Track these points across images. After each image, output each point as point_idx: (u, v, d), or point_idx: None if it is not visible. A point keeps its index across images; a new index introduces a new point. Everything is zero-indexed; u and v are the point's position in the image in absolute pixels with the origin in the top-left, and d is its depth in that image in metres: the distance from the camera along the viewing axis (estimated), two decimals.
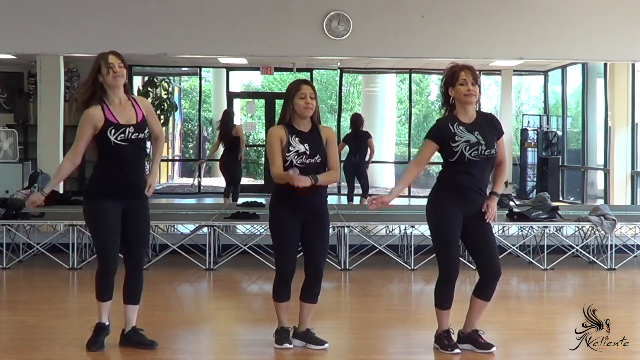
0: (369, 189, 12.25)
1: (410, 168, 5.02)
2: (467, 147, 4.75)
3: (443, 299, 4.95)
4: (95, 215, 4.84)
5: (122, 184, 4.81)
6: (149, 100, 15.39)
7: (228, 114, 12.05)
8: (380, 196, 4.86)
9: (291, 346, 5.04)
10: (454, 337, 4.98)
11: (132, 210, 4.85)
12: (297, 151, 4.85)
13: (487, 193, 4.89)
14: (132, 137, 4.77)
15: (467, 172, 4.78)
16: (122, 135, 4.74)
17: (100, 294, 4.94)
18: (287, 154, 4.84)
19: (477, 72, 4.88)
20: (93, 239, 5.03)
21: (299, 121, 4.90)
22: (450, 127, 4.79)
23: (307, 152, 4.86)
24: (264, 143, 17.86)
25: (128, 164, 4.82)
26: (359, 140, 11.86)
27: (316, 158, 4.88)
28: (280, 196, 4.95)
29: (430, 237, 8.11)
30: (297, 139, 4.86)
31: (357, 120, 12.05)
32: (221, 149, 11.65)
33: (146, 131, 4.86)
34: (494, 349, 4.91)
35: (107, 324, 5.00)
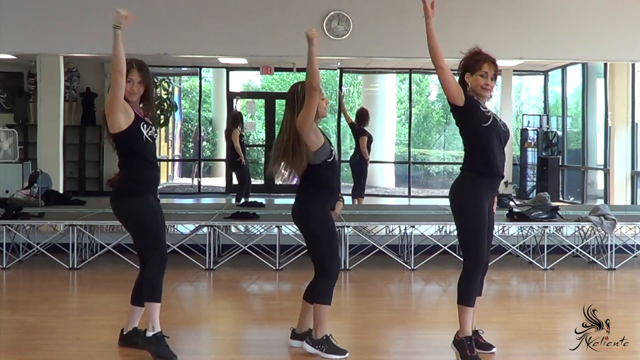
0: (363, 190, 12.20)
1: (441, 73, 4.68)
2: (499, 119, 4.74)
3: (468, 293, 4.68)
4: (148, 213, 4.74)
5: (155, 181, 4.88)
6: None
7: (229, 117, 12.23)
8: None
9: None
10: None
11: (159, 210, 4.87)
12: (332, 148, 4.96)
13: None
14: (155, 135, 4.84)
15: (494, 152, 4.65)
16: (151, 131, 4.79)
17: (160, 294, 4.78)
18: (332, 149, 4.91)
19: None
20: (144, 237, 4.79)
21: (317, 122, 4.93)
22: (475, 100, 4.72)
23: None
24: (264, 143, 17.85)
25: (155, 160, 4.86)
26: (358, 138, 11.82)
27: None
28: (320, 198, 4.88)
29: (430, 237, 8.19)
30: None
31: (361, 116, 11.93)
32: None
33: None
34: (494, 349, 4.90)
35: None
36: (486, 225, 4.70)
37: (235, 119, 11.97)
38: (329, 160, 4.84)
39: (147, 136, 4.73)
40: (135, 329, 4.99)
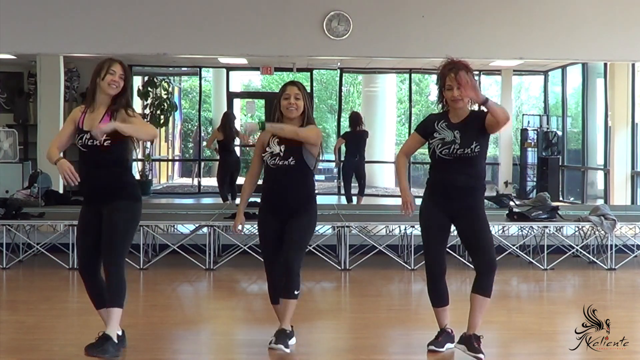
0: (364, 188, 12.28)
1: (397, 159, 5.14)
2: (440, 145, 4.79)
3: (431, 297, 5.01)
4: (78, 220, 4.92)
5: (91, 189, 4.83)
6: (149, 100, 15.38)
7: (228, 116, 12.36)
8: (409, 202, 4.93)
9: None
10: (446, 336, 4.94)
11: (105, 214, 4.76)
12: (272, 152, 4.95)
13: (472, 190, 4.83)
14: (88, 142, 4.74)
15: (443, 171, 4.82)
16: (81, 140, 4.77)
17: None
18: (263, 155, 4.99)
19: (469, 71, 4.69)
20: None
21: (286, 122, 5.00)
22: (436, 123, 4.85)
23: (281, 154, 4.92)
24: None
25: (92, 168, 4.79)
26: (358, 139, 11.88)
27: (289, 160, 4.92)
28: (262, 196, 5.09)
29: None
30: (276, 140, 4.97)
31: (355, 118, 12.03)
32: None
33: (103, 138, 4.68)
34: (481, 355, 4.72)
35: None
36: (433, 235, 4.95)
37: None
38: (264, 164, 5.02)
39: (79, 146, 4.80)
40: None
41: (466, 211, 4.82)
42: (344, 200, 13.11)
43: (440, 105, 4.92)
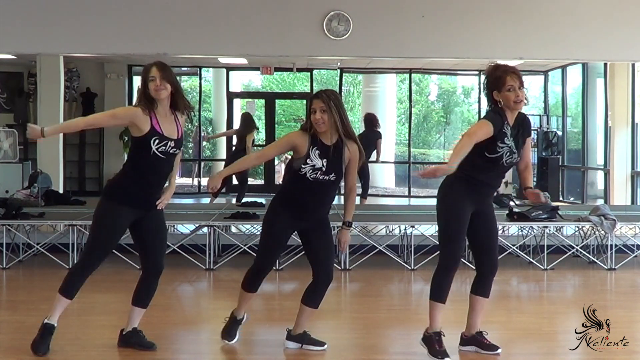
0: (368, 189, 12.26)
1: (463, 140, 4.52)
2: (508, 153, 4.67)
3: (440, 291, 4.72)
4: (106, 216, 4.77)
5: (144, 195, 4.79)
6: None
7: (245, 119, 12.43)
8: (435, 167, 4.50)
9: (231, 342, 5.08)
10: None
11: (148, 218, 4.82)
12: (314, 166, 4.74)
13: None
14: (171, 151, 4.77)
15: (491, 172, 4.71)
16: (164, 147, 4.72)
17: (70, 292, 4.88)
18: (304, 166, 4.74)
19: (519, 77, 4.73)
20: (91, 235, 4.86)
21: (320, 133, 4.77)
22: (504, 125, 4.68)
23: (323, 169, 4.75)
24: (264, 143, 17.86)
25: (158, 176, 4.81)
26: (368, 140, 11.88)
27: (330, 176, 4.78)
28: (279, 202, 4.98)
29: (430, 237, 8.19)
30: (317, 152, 4.74)
31: (372, 120, 12.14)
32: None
33: (182, 148, 4.90)
34: (499, 350, 4.87)
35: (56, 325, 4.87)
36: (462, 228, 4.71)
37: (252, 121, 12.37)
38: (299, 173, 4.78)
39: (155, 151, 4.69)
40: (134, 329, 4.99)
41: (489, 210, 4.82)
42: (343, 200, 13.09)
43: (490, 107, 4.79)
